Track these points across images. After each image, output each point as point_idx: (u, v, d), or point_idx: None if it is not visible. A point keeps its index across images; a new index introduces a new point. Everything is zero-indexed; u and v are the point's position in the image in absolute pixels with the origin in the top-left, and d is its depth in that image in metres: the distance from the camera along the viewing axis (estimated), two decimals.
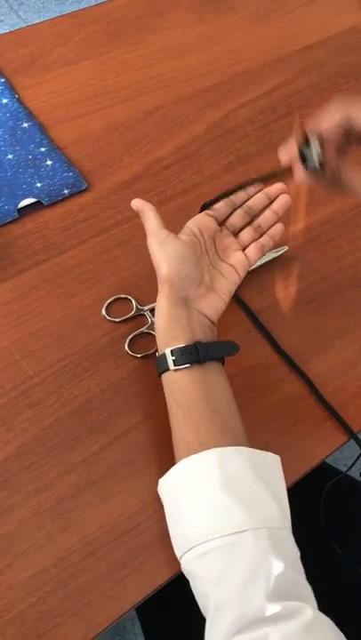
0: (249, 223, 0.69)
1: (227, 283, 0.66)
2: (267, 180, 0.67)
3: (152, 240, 0.64)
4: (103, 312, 0.69)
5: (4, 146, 0.78)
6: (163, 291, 0.63)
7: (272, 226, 0.69)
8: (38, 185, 0.75)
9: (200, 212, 0.68)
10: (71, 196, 0.76)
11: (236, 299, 0.72)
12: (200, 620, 0.53)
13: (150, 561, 0.59)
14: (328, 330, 0.72)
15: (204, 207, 0.68)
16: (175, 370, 0.60)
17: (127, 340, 0.68)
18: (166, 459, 0.62)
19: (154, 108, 0.86)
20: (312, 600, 0.52)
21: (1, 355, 0.66)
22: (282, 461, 0.65)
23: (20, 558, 0.57)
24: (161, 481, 0.59)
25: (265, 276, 0.75)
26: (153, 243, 0.63)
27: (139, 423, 0.64)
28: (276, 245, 0.76)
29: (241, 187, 0.67)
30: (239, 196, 0.69)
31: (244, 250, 0.68)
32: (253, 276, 0.73)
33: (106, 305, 0.70)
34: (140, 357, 0.67)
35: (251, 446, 0.58)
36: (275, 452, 0.64)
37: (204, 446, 0.56)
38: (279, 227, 0.70)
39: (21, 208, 0.74)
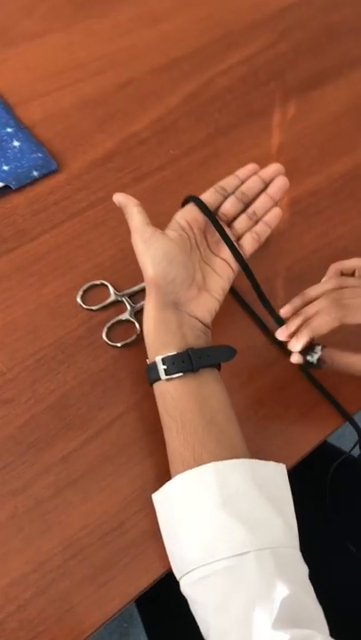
0: (243, 211, 0.64)
1: (220, 280, 0.61)
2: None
3: (136, 238, 0.59)
4: (78, 300, 0.65)
5: None
6: (150, 294, 0.58)
7: (268, 212, 0.64)
8: (5, 168, 0.71)
9: (183, 205, 0.64)
10: (41, 178, 0.72)
11: None
12: None
13: (136, 561, 0.55)
14: None
15: (187, 201, 0.63)
16: (167, 379, 0.56)
17: (105, 329, 0.64)
18: (151, 453, 0.59)
19: (127, 80, 0.81)
20: (322, 623, 0.48)
21: None
22: (273, 448, 0.62)
23: None
24: (154, 496, 0.56)
25: None
26: (137, 242, 0.59)
27: (120, 416, 0.61)
28: None
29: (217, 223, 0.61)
30: (231, 181, 0.64)
31: (238, 240, 0.63)
32: None
33: (81, 292, 0.66)
34: (120, 347, 0.64)
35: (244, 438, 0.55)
36: (265, 440, 0.62)
37: (200, 462, 0.52)
38: (276, 212, 0.65)
39: None
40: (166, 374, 0.55)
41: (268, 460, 0.60)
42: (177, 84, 0.82)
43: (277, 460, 0.60)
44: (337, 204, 0.75)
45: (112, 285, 0.66)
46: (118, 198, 0.61)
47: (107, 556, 0.55)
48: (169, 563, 0.55)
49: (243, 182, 0.65)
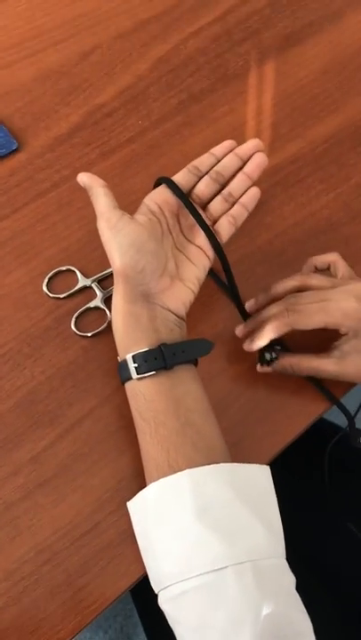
0: (219, 192, 0.59)
1: (195, 269, 0.56)
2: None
3: (102, 224, 0.54)
4: (44, 288, 0.61)
5: None
6: (118, 286, 0.54)
7: (245, 192, 0.59)
8: None
9: (155, 187, 0.59)
10: (1, 158, 0.67)
11: None
12: None
13: (113, 564, 0.53)
14: None
15: (159, 183, 0.58)
16: (139, 379, 0.52)
17: (73, 318, 0.60)
18: (126, 449, 0.56)
19: (91, 47, 0.75)
20: (310, 637, 0.45)
21: None
22: (257, 436, 0.58)
23: None
24: (129, 504, 0.52)
25: None
26: (103, 228, 0.54)
27: (92, 411, 0.57)
28: None
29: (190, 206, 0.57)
30: (206, 160, 0.59)
31: (214, 225, 0.58)
32: None
33: (46, 280, 0.62)
34: (90, 336, 0.60)
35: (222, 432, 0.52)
36: (248, 428, 0.59)
37: (175, 469, 0.48)
38: (253, 192, 0.59)
39: None
40: (138, 373, 0.51)
41: (254, 448, 0.57)
42: (145, 48, 0.76)
43: (263, 448, 0.57)
44: (319, 170, 0.70)
45: (80, 271, 0.62)
46: (83, 179, 0.56)
47: (82, 560, 0.52)
48: None
49: (219, 161, 0.59)
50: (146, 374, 0.51)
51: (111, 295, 0.61)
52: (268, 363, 0.58)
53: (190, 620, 0.45)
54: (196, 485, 0.47)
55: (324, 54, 0.77)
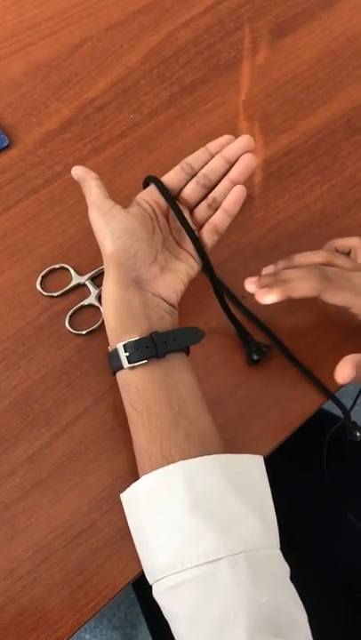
0: (207, 195, 0.58)
1: (185, 265, 0.56)
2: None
3: (94, 213, 0.54)
4: (38, 287, 0.61)
5: None
6: (109, 272, 0.53)
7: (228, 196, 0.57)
8: None
9: (145, 186, 0.59)
10: None
11: None
12: None
13: (111, 562, 0.53)
14: None
15: (148, 182, 0.58)
16: (130, 368, 0.51)
17: (67, 317, 0.60)
18: (122, 447, 0.56)
19: (81, 40, 0.75)
20: (305, 627, 0.45)
21: None
22: (253, 432, 0.58)
23: None
24: (122, 496, 0.52)
25: None
26: (95, 216, 0.54)
27: (87, 409, 0.57)
28: None
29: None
30: (201, 156, 0.57)
31: (200, 230, 0.57)
32: None
33: (40, 278, 0.62)
34: (85, 334, 0.60)
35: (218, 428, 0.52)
36: (243, 423, 0.58)
37: (168, 460, 0.48)
38: (236, 194, 0.56)
39: None
40: (129, 362, 0.51)
41: (250, 443, 0.57)
42: (136, 40, 0.75)
43: (259, 443, 0.57)
44: (313, 162, 0.69)
45: (73, 268, 0.62)
46: (77, 172, 0.56)
47: (79, 559, 0.53)
48: None
49: (213, 156, 0.58)
50: (137, 363, 0.51)
51: None
52: (256, 362, 0.58)
53: (185, 612, 0.45)
54: (190, 477, 0.47)
55: (317, 43, 0.76)
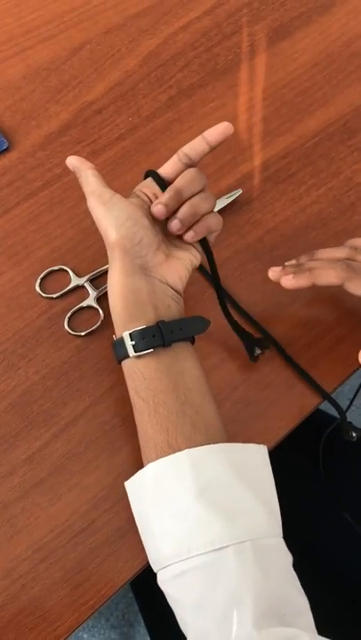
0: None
1: (187, 253, 0.55)
2: None
3: (94, 202, 0.52)
4: (37, 288, 0.62)
5: None
6: (114, 260, 0.52)
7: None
8: None
9: (145, 179, 0.59)
10: None
11: None
12: None
13: (110, 561, 0.53)
14: None
15: (148, 175, 0.58)
16: (136, 357, 0.51)
17: (66, 318, 0.61)
18: (120, 447, 0.57)
19: (80, 43, 0.75)
20: (308, 615, 0.46)
21: None
22: (250, 432, 0.59)
23: None
24: (127, 484, 0.53)
25: None
26: (96, 205, 0.52)
27: (86, 410, 0.58)
28: (229, 189, 0.68)
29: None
30: (198, 146, 0.56)
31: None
32: None
33: (39, 280, 0.62)
34: (84, 335, 0.60)
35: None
36: (241, 424, 0.59)
37: (175, 448, 0.49)
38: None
39: None
40: (135, 351, 0.51)
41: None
42: (135, 44, 0.76)
43: (256, 443, 0.58)
44: (309, 165, 0.70)
45: (72, 270, 0.63)
46: (72, 161, 0.55)
47: (78, 558, 0.53)
48: (144, 560, 0.53)
49: (211, 147, 0.57)
50: (143, 352, 0.51)
51: (104, 294, 0.61)
52: (257, 358, 0.59)
53: (191, 599, 0.46)
54: (196, 465, 0.48)
55: (314, 46, 0.77)
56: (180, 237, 0.56)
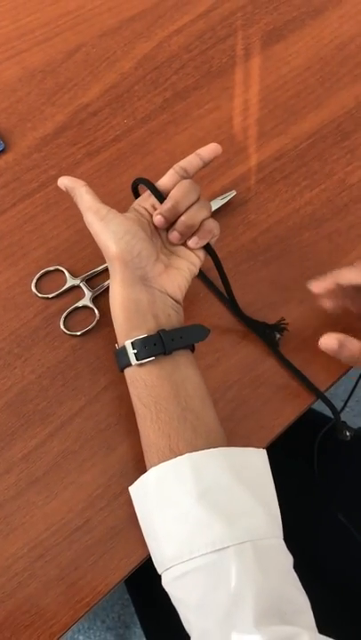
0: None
1: (186, 262, 0.57)
2: None
3: (91, 218, 0.54)
4: (33, 289, 0.62)
5: None
6: (115, 273, 0.54)
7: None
8: None
9: (133, 188, 0.60)
10: None
11: None
12: None
13: (105, 558, 0.54)
14: (286, 280, 0.65)
15: (136, 184, 0.59)
16: (138, 365, 0.52)
17: (62, 318, 0.61)
18: (115, 446, 0.57)
19: (75, 46, 0.76)
20: (309, 615, 0.47)
21: None
22: (244, 431, 0.59)
23: None
24: (131, 489, 0.54)
25: None
26: (93, 221, 0.54)
27: (82, 409, 0.58)
28: (223, 191, 0.68)
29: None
30: (193, 160, 0.57)
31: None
32: None
33: (35, 280, 0.63)
34: (79, 335, 0.61)
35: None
36: (235, 423, 0.60)
37: (176, 453, 0.50)
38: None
39: None
40: (137, 359, 0.52)
41: (241, 443, 0.58)
42: (130, 46, 0.77)
43: (250, 442, 0.59)
44: (303, 166, 0.71)
45: (68, 270, 0.63)
46: (64, 182, 0.57)
47: (74, 556, 0.54)
48: (139, 558, 0.54)
49: (204, 162, 0.58)
50: (145, 360, 0.52)
51: (100, 293, 0.62)
52: (278, 343, 0.61)
53: (193, 599, 0.47)
54: (197, 469, 0.49)
55: (307, 50, 0.78)
56: (184, 244, 0.57)
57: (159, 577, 0.51)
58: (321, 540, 0.77)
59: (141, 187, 0.58)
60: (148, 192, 0.57)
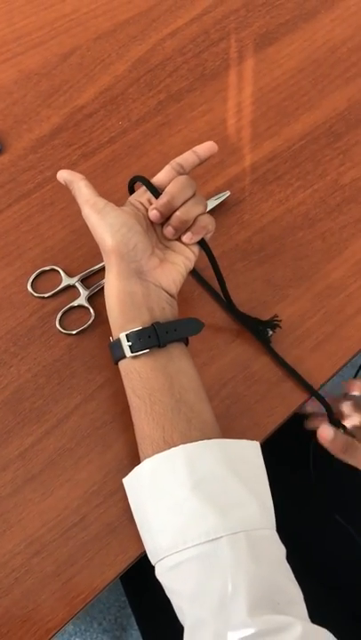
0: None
1: (181, 257, 0.57)
2: None
3: (89, 211, 0.55)
4: (29, 288, 0.63)
5: None
6: (111, 265, 0.54)
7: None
8: None
9: (129, 186, 0.61)
10: None
11: None
12: None
13: (100, 555, 0.54)
14: (280, 279, 0.66)
15: (133, 183, 0.60)
16: (133, 357, 0.53)
17: (58, 317, 0.62)
18: (111, 443, 0.58)
19: (70, 49, 0.77)
20: (301, 605, 0.47)
21: None
22: (238, 428, 0.60)
23: None
24: (125, 480, 0.54)
25: None
26: (90, 214, 0.54)
27: (77, 407, 0.59)
28: (217, 191, 0.69)
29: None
30: (189, 157, 0.58)
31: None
32: None
33: (31, 280, 0.63)
34: (75, 334, 0.61)
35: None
36: (229, 420, 0.60)
37: (170, 444, 0.50)
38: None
39: None
40: (132, 351, 0.53)
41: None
42: (124, 49, 0.77)
43: (244, 439, 0.59)
44: (296, 167, 0.72)
45: (63, 270, 0.64)
46: (63, 175, 0.57)
47: (70, 552, 0.54)
48: (135, 554, 0.54)
49: (200, 160, 0.59)
50: (140, 352, 0.52)
51: (95, 293, 0.63)
52: (270, 340, 0.63)
53: (187, 590, 0.47)
54: (191, 460, 0.49)
55: (300, 52, 0.79)
56: (179, 239, 0.58)
57: (156, 578, 0.51)
58: (320, 540, 0.77)
59: (137, 183, 0.59)
60: (144, 188, 0.58)
